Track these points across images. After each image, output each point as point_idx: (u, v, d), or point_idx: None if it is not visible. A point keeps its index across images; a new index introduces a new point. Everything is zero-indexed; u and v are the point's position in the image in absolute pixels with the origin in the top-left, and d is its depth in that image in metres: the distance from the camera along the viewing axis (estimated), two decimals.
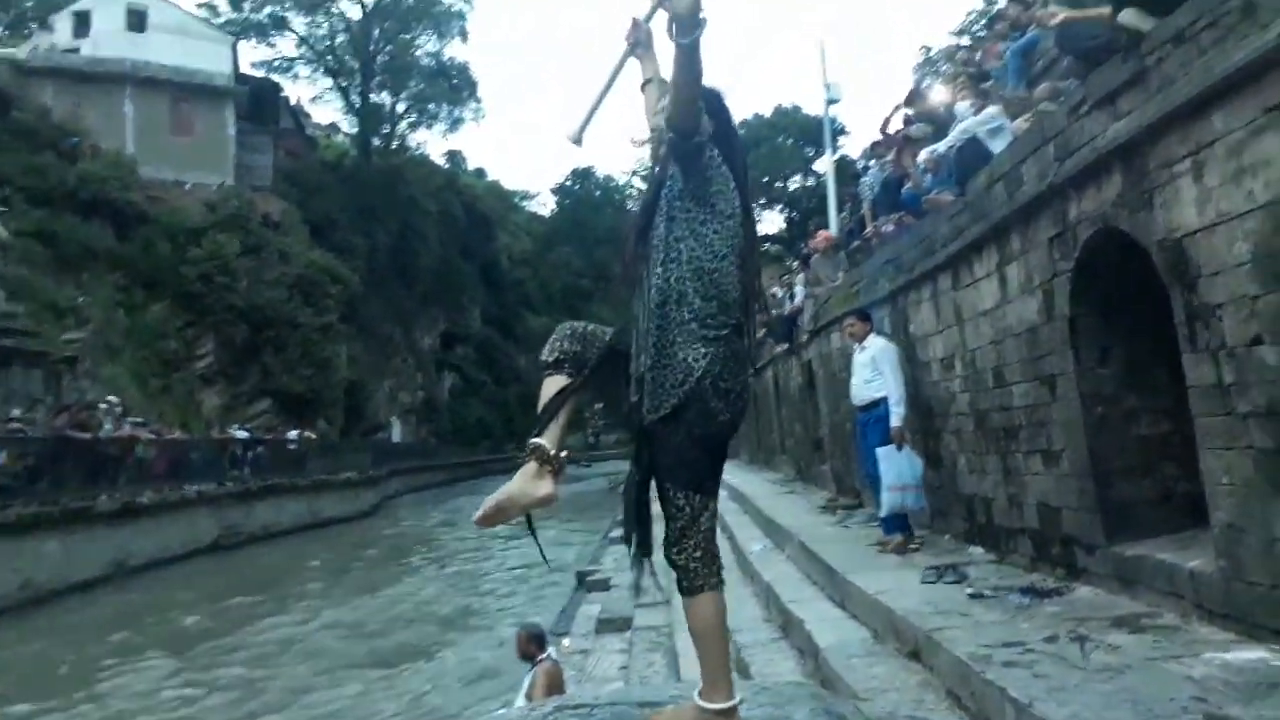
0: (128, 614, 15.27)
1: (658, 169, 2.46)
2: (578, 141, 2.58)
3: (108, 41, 36.80)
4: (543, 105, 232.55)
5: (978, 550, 6.09)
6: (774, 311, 14.25)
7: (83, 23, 37.85)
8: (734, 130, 2.46)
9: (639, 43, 2.62)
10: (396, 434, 48.17)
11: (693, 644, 2.31)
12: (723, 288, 2.27)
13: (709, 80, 2.29)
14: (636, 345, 2.32)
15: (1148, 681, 3.03)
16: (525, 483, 2.28)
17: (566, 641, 8.70)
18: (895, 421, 6.53)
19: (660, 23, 2.22)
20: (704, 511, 2.24)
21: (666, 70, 2.29)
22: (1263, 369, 3.25)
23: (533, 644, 6.62)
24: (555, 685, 6.14)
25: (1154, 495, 4.57)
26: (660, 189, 2.39)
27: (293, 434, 30.00)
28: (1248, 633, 3.37)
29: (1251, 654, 3.18)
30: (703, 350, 2.22)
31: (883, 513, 6.60)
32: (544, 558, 2.55)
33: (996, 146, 6.36)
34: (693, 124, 2.23)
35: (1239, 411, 3.39)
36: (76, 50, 36.68)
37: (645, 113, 2.72)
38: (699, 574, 2.23)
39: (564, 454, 2.33)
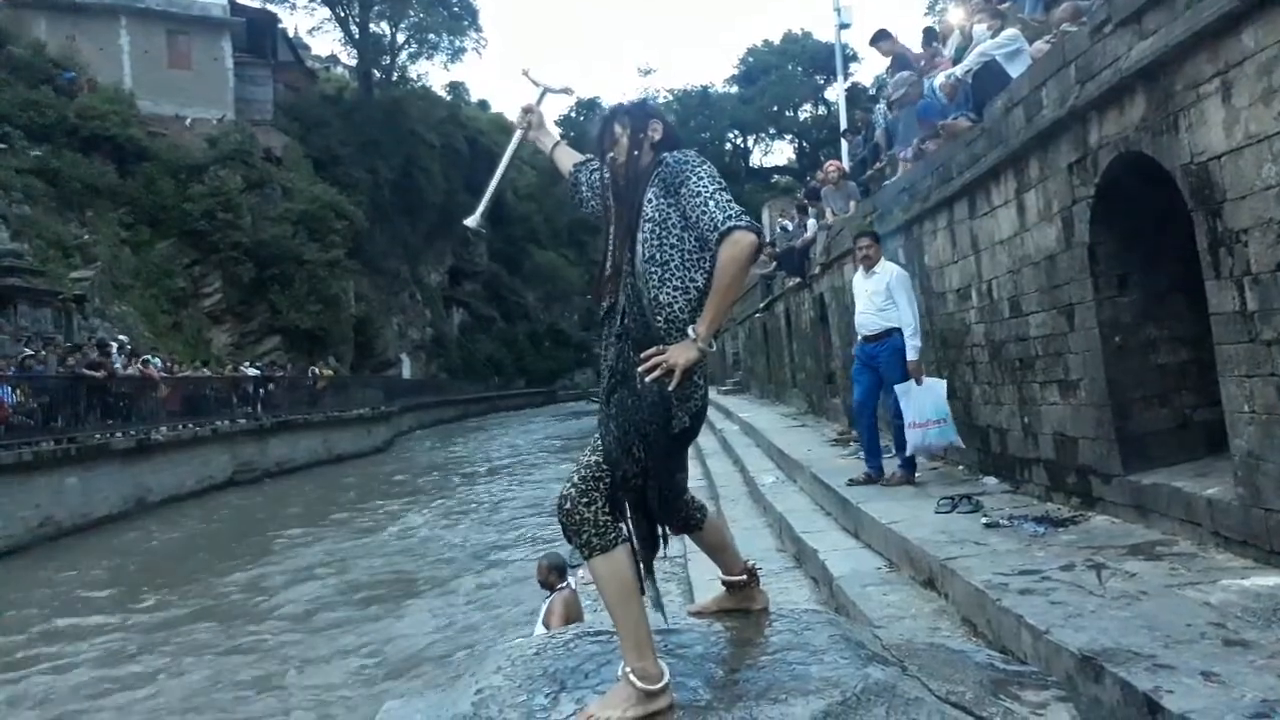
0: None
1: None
2: (479, 227, 2.61)
3: None
4: (546, 34, 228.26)
5: (992, 480, 6.10)
6: (785, 244, 14.13)
7: None
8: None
9: (531, 125, 2.82)
10: (406, 370, 48.34)
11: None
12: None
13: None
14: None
15: (1165, 608, 3.03)
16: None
17: (582, 571, 8.80)
18: (912, 355, 6.20)
19: (549, 105, 2.62)
20: (627, 478, 2.22)
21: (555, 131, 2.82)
22: None
23: (553, 573, 6.70)
24: (572, 612, 6.23)
25: (1171, 424, 4.55)
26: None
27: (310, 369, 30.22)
28: (1265, 559, 3.38)
29: (1270, 580, 3.19)
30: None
31: (907, 451, 6.33)
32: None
33: (1014, 70, 6.20)
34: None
35: (1263, 338, 3.34)
36: None
37: (562, 170, 2.89)
38: (591, 537, 2.19)
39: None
